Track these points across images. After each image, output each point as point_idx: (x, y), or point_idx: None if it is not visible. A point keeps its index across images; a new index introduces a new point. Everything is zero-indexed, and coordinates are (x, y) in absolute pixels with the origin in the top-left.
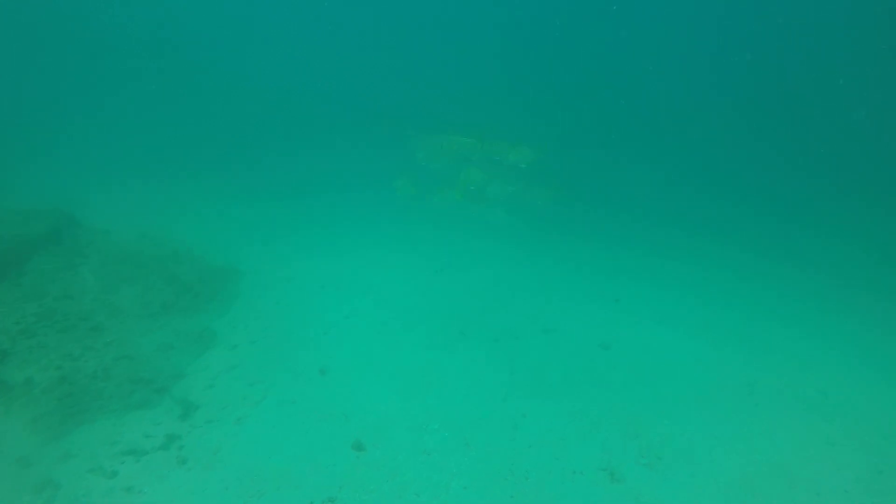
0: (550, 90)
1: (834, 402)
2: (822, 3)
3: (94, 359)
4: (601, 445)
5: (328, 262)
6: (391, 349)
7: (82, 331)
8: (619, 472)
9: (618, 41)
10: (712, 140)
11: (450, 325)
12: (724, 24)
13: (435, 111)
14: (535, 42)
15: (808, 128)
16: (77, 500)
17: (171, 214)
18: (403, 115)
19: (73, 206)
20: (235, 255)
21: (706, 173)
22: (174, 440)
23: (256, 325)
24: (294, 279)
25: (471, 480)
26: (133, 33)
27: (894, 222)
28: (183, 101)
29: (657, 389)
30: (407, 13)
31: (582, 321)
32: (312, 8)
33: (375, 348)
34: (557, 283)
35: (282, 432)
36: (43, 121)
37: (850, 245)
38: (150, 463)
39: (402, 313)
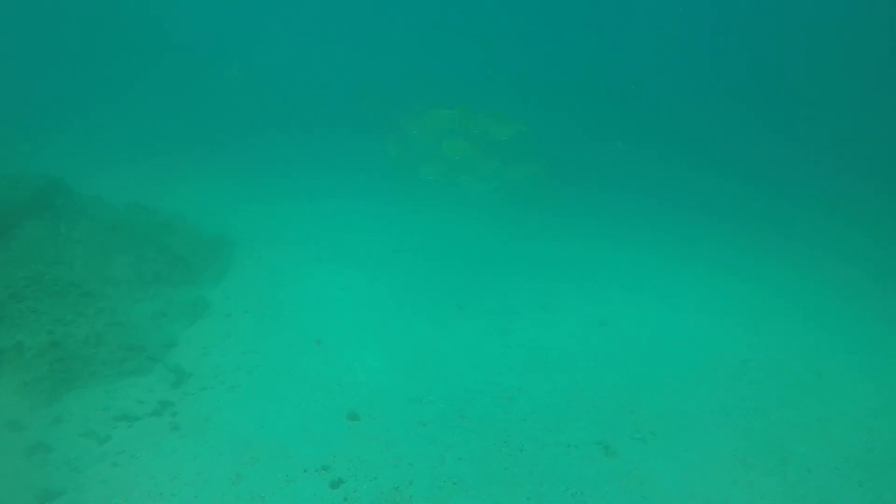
0: (537, 64)
1: (827, 381)
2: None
3: (85, 325)
4: (596, 420)
5: (324, 234)
6: (388, 322)
7: (74, 296)
8: (613, 447)
9: (607, 20)
10: (709, 120)
11: (447, 300)
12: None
13: (420, 86)
14: (522, 17)
15: (802, 107)
16: (69, 463)
17: (166, 184)
18: (389, 91)
19: (66, 172)
20: (229, 227)
21: (701, 151)
22: (167, 406)
23: (250, 295)
24: (289, 251)
25: (465, 452)
26: (131, 11)
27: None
28: (179, 76)
29: (653, 366)
30: None
31: (580, 298)
32: None
33: (372, 321)
34: (553, 259)
35: (276, 401)
36: (39, 88)
37: (849, 225)
38: (142, 429)
39: (398, 287)
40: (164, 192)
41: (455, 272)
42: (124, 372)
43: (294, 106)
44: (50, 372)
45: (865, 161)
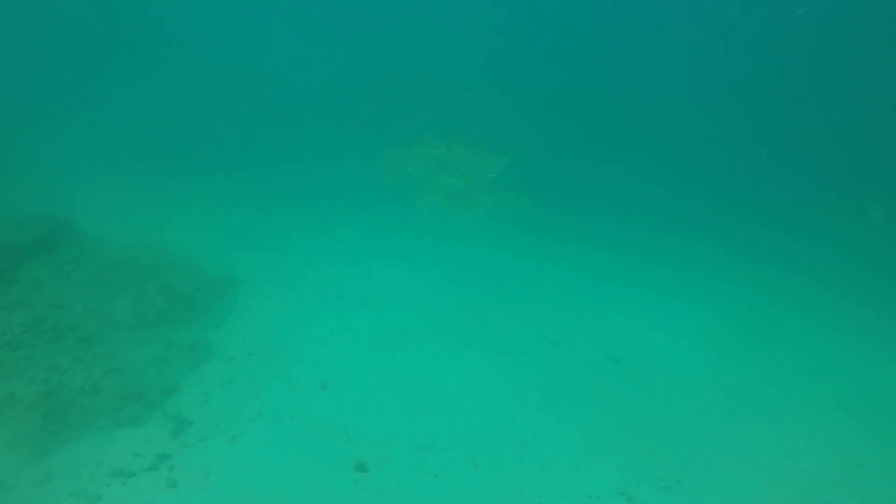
0: (523, 97)
1: (860, 421)
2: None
3: (82, 372)
4: (617, 467)
5: (327, 270)
6: (394, 362)
7: (72, 342)
8: (637, 497)
9: (591, 47)
10: (709, 142)
11: (454, 337)
12: (699, 26)
13: (408, 120)
14: (508, 49)
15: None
16: None
17: (169, 220)
18: (380, 124)
19: (69, 211)
20: (233, 263)
21: (702, 178)
22: (164, 460)
23: (254, 336)
24: (293, 288)
25: None
26: (127, 38)
27: None
28: (181, 105)
29: (672, 406)
30: (382, 23)
31: (589, 332)
32: (298, 17)
33: (378, 361)
34: (558, 291)
35: (279, 451)
36: (40, 125)
37: (856, 258)
38: (137, 486)
39: (404, 324)
40: (168, 224)
41: (461, 305)
42: (121, 421)
43: (293, 136)
44: (42, 424)
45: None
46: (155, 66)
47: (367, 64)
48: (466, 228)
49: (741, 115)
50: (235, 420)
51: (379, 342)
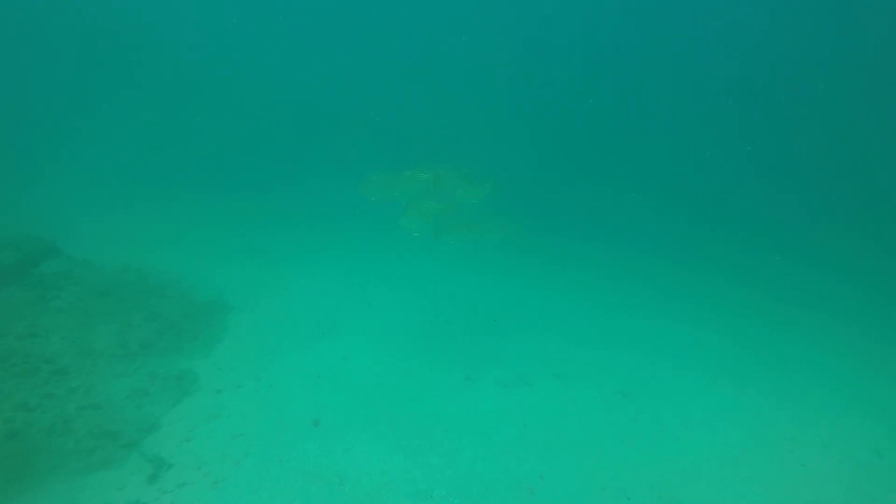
0: (509, 120)
1: (891, 463)
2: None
3: (53, 409)
4: None
5: (324, 296)
6: (391, 398)
7: (44, 375)
8: None
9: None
10: (702, 159)
11: (454, 370)
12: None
13: (399, 147)
14: (498, 73)
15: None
16: None
17: (160, 242)
18: (372, 150)
19: (56, 233)
20: (225, 288)
21: (700, 198)
22: None
23: (243, 366)
24: (287, 316)
25: None
26: (117, 53)
27: None
28: (174, 128)
29: (687, 445)
30: (365, 46)
31: (594, 364)
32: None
33: (374, 397)
34: (559, 319)
35: (265, 499)
36: (29, 144)
37: (880, 294)
38: None
39: (402, 356)
40: (161, 248)
41: (460, 334)
42: (92, 465)
43: (286, 158)
44: (1, 471)
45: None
46: (144, 88)
47: (362, 89)
48: (462, 255)
49: (732, 128)
50: (219, 462)
51: (375, 375)
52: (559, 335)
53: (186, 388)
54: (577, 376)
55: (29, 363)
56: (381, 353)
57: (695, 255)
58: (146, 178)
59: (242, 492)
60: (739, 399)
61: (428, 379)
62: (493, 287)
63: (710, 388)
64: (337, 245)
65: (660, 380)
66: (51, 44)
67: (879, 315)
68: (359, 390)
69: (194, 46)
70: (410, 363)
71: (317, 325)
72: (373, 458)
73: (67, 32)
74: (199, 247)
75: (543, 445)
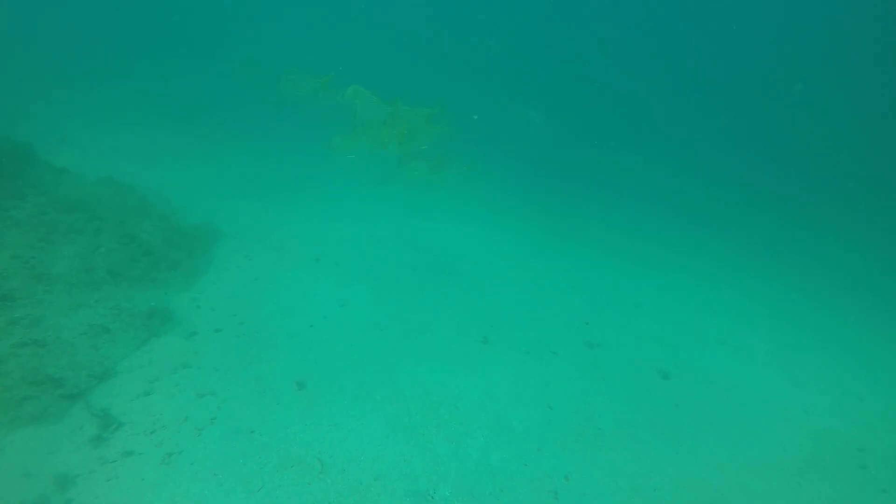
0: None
1: None
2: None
3: None
4: None
5: (327, 228)
6: (393, 359)
7: None
8: None
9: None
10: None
11: (470, 329)
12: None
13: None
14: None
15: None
16: None
17: (151, 158)
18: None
19: (30, 135)
20: (216, 213)
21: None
22: (66, 486)
23: (226, 306)
24: (285, 248)
25: None
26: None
27: None
28: (180, 51)
29: (741, 445)
30: None
31: (631, 333)
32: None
33: (373, 356)
34: (586, 275)
35: (224, 484)
36: (24, 50)
37: None
38: None
39: (409, 307)
40: (151, 165)
41: (477, 287)
42: (19, 420)
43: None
44: None
45: None
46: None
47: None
48: (480, 194)
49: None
50: (178, 427)
51: (377, 328)
52: (590, 296)
53: (155, 328)
54: (610, 347)
55: None
56: (386, 303)
57: (725, 223)
58: (144, 102)
59: (197, 471)
60: (798, 394)
61: (438, 339)
62: (511, 232)
63: (764, 377)
64: (345, 175)
65: (703, 360)
66: None
67: None
68: (356, 346)
69: None
70: (419, 317)
71: (316, 262)
72: (365, 438)
73: None
74: (194, 168)
75: (571, 434)
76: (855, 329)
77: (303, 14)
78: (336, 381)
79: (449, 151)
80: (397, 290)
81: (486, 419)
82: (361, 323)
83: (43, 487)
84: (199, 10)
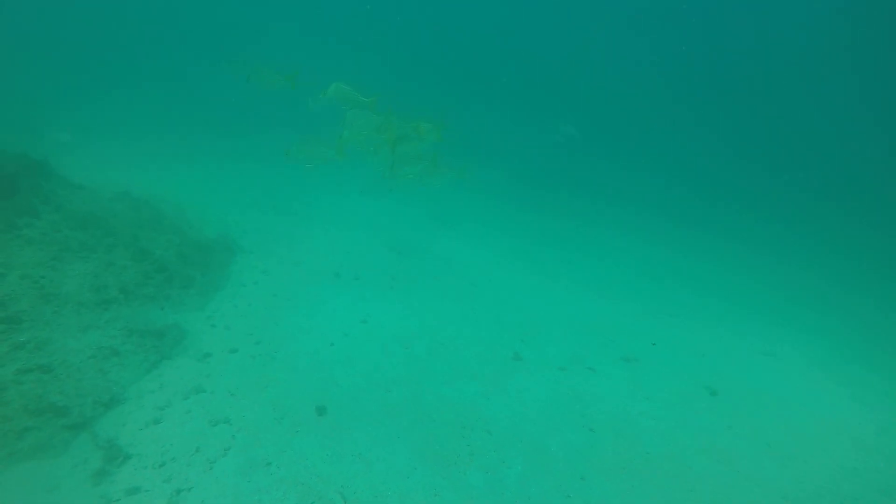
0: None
1: None
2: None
3: None
4: None
5: (345, 240)
6: (420, 380)
7: None
8: None
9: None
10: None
11: (500, 344)
12: None
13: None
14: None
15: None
16: None
17: (166, 168)
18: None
19: (49, 152)
20: (235, 224)
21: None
22: None
23: (242, 325)
24: (303, 262)
25: None
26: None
27: None
28: (190, 57)
29: (803, 469)
30: None
31: (670, 345)
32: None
33: (398, 377)
34: (617, 285)
35: None
36: (49, 65)
37: None
38: None
39: (435, 320)
40: (169, 177)
41: (507, 298)
42: (18, 454)
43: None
44: None
45: None
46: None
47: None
48: (494, 206)
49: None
50: (189, 459)
51: (400, 345)
52: (622, 307)
53: (167, 350)
54: (649, 361)
55: None
56: (409, 317)
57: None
58: (162, 112)
59: None
60: (860, 411)
61: (467, 355)
62: (539, 240)
63: (820, 394)
64: (359, 183)
65: (751, 374)
66: None
67: None
68: (379, 366)
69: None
70: (445, 332)
71: (336, 277)
72: (391, 469)
73: None
74: (212, 180)
75: (616, 460)
76: None
77: (313, 18)
78: (358, 405)
79: (441, 157)
80: (420, 303)
81: (523, 445)
82: (384, 340)
83: None
84: (203, 15)
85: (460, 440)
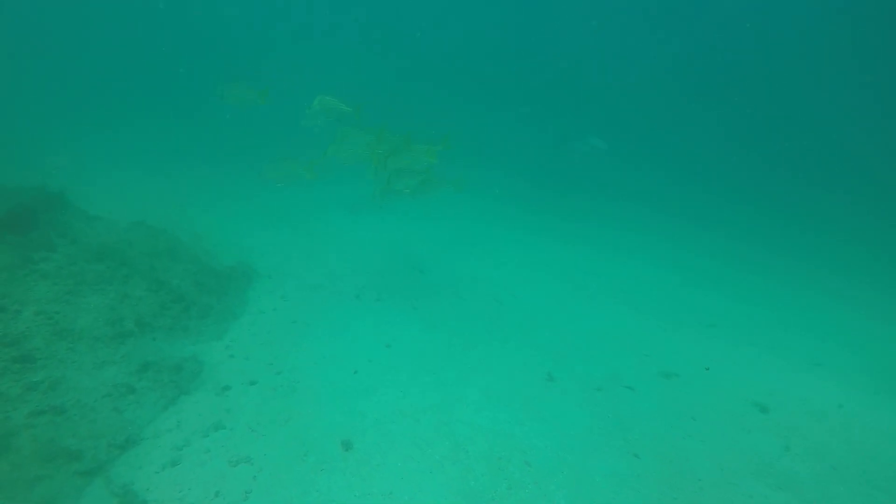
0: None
1: None
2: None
3: None
4: None
5: (363, 260)
6: (450, 408)
7: (1, 363)
8: None
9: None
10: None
11: (532, 365)
12: None
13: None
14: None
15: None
16: None
17: (182, 196)
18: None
19: (66, 184)
20: (251, 250)
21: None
22: None
23: (262, 354)
24: (322, 285)
25: None
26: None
27: None
28: (206, 84)
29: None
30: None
31: (711, 357)
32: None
33: (427, 405)
34: (653, 297)
35: None
36: (59, 98)
37: None
38: None
39: (464, 343)
40: (181, 207)
41: (536, 314)
42: None
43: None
44: None
45: None
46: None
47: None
48: (512, 215)
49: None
50: None
51: (428, 370)
52: (657, 320)
53: (185, 384)
54: (689, 378)
55: None
56: (435, 340)
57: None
58: (176, 142)
59: None
60: None
61: (498, 378)
62: (559, 256)
63: (886, 406)
64: (385, 204)
65: (801, 390)
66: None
67: None
68: (406, 393)
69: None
70: (474, 353)
71: (356, 299)
72: None
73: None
74: (225, 204)
75: (666, 490)
76: None
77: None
78: (386, 438)
79: (436, 169)
80: (445, 324)
81: (565, 476)
82: (410, 365)
83: None
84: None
85: (497, 473)
